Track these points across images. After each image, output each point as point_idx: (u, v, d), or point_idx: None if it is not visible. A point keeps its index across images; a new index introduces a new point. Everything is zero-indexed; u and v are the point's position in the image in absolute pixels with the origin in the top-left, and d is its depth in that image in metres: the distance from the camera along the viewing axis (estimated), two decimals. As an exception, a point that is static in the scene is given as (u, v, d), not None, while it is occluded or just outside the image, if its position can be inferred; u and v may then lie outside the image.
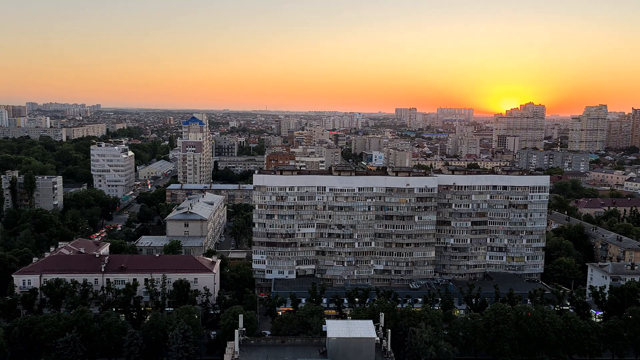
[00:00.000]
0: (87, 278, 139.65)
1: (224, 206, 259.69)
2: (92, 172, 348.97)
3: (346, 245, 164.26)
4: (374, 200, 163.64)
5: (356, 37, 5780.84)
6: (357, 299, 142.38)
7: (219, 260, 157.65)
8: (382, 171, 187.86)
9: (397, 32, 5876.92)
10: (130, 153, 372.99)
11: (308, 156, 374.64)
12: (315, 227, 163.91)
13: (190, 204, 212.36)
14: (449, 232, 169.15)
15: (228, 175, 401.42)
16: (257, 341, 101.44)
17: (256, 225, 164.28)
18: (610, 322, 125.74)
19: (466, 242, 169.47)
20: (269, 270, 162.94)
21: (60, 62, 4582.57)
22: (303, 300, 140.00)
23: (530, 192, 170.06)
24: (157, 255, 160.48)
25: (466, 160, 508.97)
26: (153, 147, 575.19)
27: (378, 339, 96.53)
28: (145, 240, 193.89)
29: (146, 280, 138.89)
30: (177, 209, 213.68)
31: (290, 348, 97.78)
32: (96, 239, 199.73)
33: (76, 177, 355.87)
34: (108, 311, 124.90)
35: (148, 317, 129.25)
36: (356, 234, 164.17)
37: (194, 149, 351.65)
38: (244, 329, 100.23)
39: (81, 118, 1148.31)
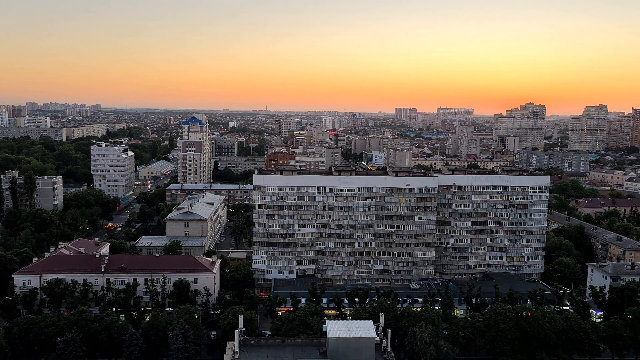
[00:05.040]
0: (87, 278, 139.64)
1: (224, 206, 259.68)
2: (92, 172, 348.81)
3: (346, 245, 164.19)
4: (374, 200, 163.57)
5: (356, 37, 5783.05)
6: (357, 299, 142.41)
7: (219, 260, 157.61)
8: (382, 171, 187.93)
9: (398, 32, 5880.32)
10: (130, 153, 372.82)
11: (308, 156, 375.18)
12: (315, 227, 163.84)
13: (190, 204, 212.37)
14: (449, 232, 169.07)
15: (228, 175, 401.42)
16: (257, 341, 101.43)
17: (256, 225, 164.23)
18: (610, 322, 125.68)
19: (466, 242, 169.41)
20: (269, 270, 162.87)
21: (61, 62, 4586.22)
22: (303, 300, 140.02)
23: (530, 192, 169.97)
24: (157, 255, 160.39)
25: (466, 160, 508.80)
26: (153, 147, 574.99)
27: (378, 339, 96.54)
28: (145, 240, 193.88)
29: (146, 280, 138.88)
30: (177, 209, 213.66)
31: (290, 348, 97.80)
32: (96, 239, 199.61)
33: (76, 177, 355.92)
34: (108, 311, 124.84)
35: (148, 317, 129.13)
36: (356, 234, 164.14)
37: (194, 149, 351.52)
38: (244, 329, 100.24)
39: (81, 118, 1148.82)
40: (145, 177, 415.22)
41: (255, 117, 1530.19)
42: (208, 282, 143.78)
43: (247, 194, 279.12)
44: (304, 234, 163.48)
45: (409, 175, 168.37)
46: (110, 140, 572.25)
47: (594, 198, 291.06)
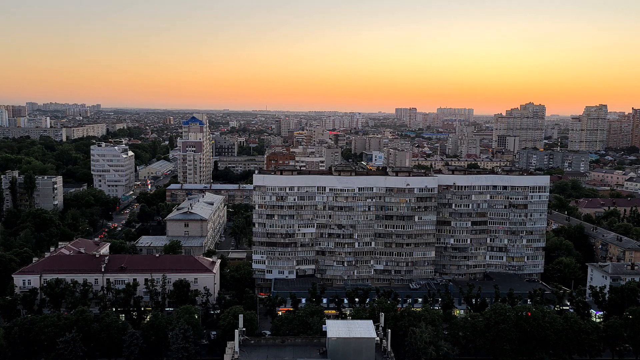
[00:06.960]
0: (87, 278, 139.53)
1: (224, 206, 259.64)
2: (92, 172, 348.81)
3: (346, 245, 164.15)
4: (374, 200, 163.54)
5: (356, 37, 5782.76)
6: (357, 299, 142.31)
7: (219, 260, 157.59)
8: (382, 171, 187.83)
9: (397, 33, 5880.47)
10: (130, 153, 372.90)
11: (308, 156, 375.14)
12: (315, 227, 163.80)
13: (190, 204, 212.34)
14: (449, 232, 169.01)
15: (228, 175, 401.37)
16: (257, 341, 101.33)
17: (256, 225, 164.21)
18: (610, 322, 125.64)
19: (466, 242, 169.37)
20: (269, 270, 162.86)
21: (61, 62, 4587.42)
22: (303, 300, 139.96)
23: (530, 192, 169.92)
24: (157, 255, 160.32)
25: (466, 160, 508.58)
26: (153, 147, 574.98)
27: (378, 339, 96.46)
28: (145, 240, 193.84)
29: (146, 280, 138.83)
30: (177, 209, 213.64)
31: (290, 348, 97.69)
32: (96, 239, 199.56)
33: (76, 177, 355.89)
34: (108, 311, 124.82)
35: (148, 317, 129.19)
36: (356, 234, 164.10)
37: (194, 149, 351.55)
38: (244, 329, 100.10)
39: (81, 118, 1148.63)
40: (145, 177, 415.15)
41: (255, 117, 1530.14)
42: (208, 282, 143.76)
43: (247, 194, 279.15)
44: (304, 234, 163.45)
45: (409, 175, 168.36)
46: (110, 140, 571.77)
47: (594, 198, 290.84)
